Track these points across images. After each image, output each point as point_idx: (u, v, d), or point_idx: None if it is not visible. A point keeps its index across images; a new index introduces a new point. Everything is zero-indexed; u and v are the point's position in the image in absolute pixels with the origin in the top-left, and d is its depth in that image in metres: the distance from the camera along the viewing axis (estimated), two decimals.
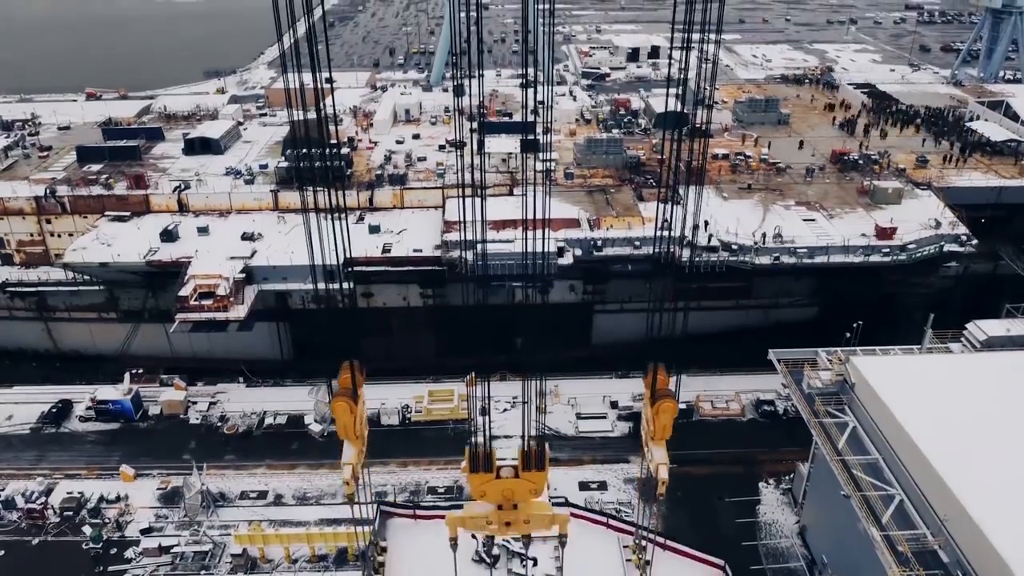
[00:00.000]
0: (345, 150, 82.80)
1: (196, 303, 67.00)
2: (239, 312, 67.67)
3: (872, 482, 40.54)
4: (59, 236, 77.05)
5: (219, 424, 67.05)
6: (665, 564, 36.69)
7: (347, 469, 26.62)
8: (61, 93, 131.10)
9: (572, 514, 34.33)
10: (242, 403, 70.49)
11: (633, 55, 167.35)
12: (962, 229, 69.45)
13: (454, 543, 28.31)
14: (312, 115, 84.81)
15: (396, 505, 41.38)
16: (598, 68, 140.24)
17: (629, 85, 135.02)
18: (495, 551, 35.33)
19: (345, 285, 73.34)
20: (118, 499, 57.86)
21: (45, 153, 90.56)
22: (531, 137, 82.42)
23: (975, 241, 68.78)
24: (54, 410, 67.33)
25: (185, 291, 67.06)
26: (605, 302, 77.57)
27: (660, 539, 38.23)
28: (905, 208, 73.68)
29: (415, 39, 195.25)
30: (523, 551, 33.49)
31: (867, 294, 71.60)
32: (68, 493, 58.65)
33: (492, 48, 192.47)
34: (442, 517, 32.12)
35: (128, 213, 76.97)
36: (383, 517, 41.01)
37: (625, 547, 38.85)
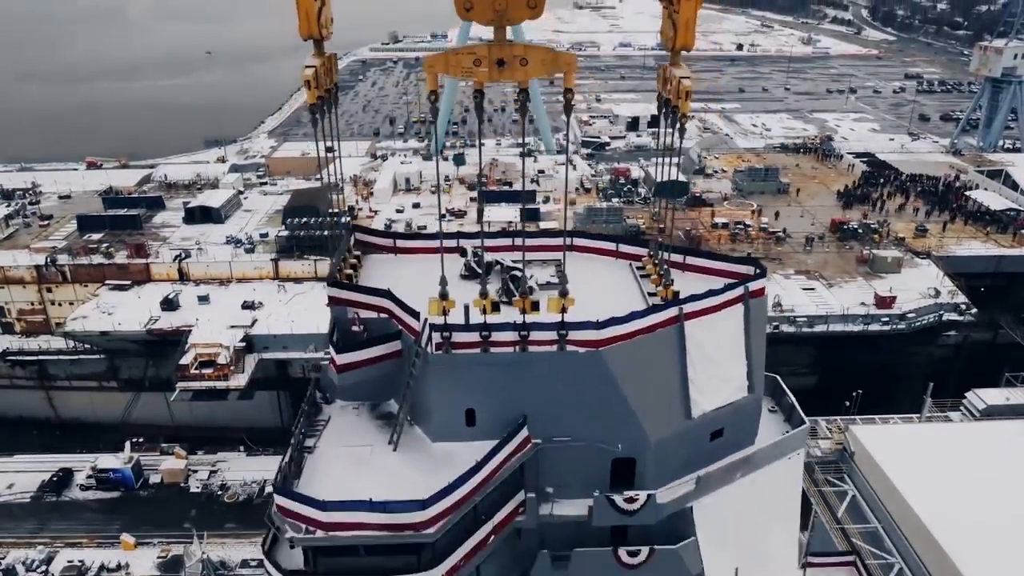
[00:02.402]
0: (345, 219, 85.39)
1: (197, 372, 68.97)
2: (239, 381, 69.58)
3: (871, 550, 41.76)
4: (60, 305, 79.41)
5: (220, 492, 68.11)
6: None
7: (308, 71, 22.67)
8: (62, 162, 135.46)
9: (574, 245, 29.78)
10: (243, 472, 71.54)
11: (633, 124, 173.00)
12: (961, 298, 71.79)
13: (434, 97, 22.98)
14: (314, 184, 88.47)
15: (372, 232, 33.25)
16: (598, 137, 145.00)
17: (629, 154, 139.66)
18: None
19: None
20: (119, 568, 58.66)
21: (46, 222, 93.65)
22: (531, 206, 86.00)
23: (974, 310, 71.00)
24: (55, 479, 68.53)
25: (186, 360, 69.09)
26: None
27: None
28: (904, 277, 76.20)
29: (415, 108, 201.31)
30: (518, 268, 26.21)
31: (866, 363, 73.56)
32: (69, 562, 59.51)
33: (492, 117, 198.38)
34: (428, 251, 28.73)
35: (129, 282, 79.46)
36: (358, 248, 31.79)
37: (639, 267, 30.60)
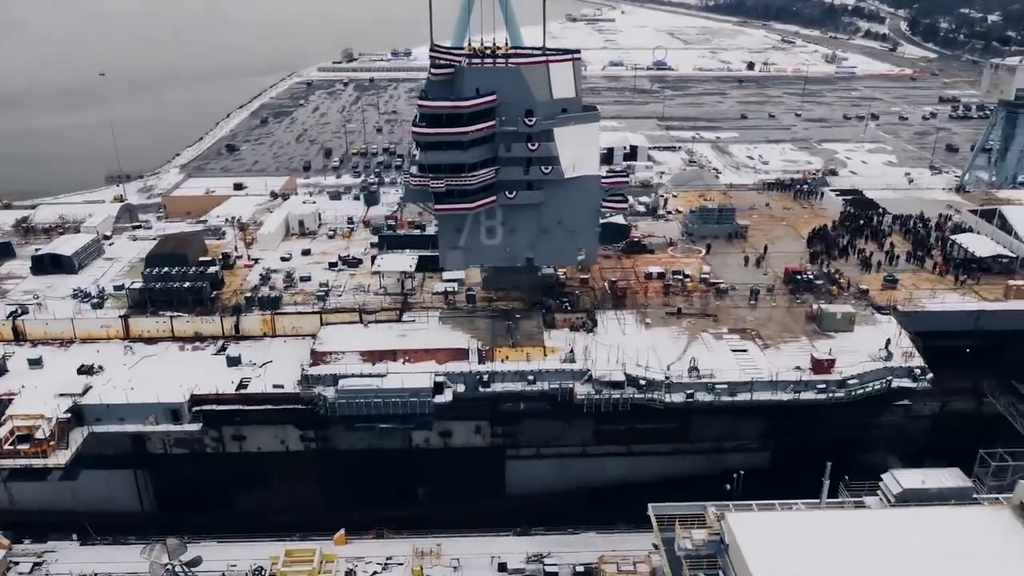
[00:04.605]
0: (213, 269, 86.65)
1: (11, 447, 69.12)
2: (60, 458, 69.62)
3: None
4: None
5: None
6: None
7: None
8: None
9: None
10: (72, 564, 70.92)
11: (607, 156, 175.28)
12: (917, 361, 72.17)
13: None
14: (188, 228, 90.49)
15: None
16: None
17: None
18: None
19: (194, 427, 75.89)
20: None
21: None
22: (432, 254, 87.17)
23: (930, 375, 71.31)
24: None
25: (0, 433, 69.29)
26: (518, 446, 79.73)
27: None
28: (858, 336, 76.71)
29: (358, 138, 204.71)
30: None
31: (825, 436, 73.85)
32: None
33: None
34: None
35: None
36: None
37: None
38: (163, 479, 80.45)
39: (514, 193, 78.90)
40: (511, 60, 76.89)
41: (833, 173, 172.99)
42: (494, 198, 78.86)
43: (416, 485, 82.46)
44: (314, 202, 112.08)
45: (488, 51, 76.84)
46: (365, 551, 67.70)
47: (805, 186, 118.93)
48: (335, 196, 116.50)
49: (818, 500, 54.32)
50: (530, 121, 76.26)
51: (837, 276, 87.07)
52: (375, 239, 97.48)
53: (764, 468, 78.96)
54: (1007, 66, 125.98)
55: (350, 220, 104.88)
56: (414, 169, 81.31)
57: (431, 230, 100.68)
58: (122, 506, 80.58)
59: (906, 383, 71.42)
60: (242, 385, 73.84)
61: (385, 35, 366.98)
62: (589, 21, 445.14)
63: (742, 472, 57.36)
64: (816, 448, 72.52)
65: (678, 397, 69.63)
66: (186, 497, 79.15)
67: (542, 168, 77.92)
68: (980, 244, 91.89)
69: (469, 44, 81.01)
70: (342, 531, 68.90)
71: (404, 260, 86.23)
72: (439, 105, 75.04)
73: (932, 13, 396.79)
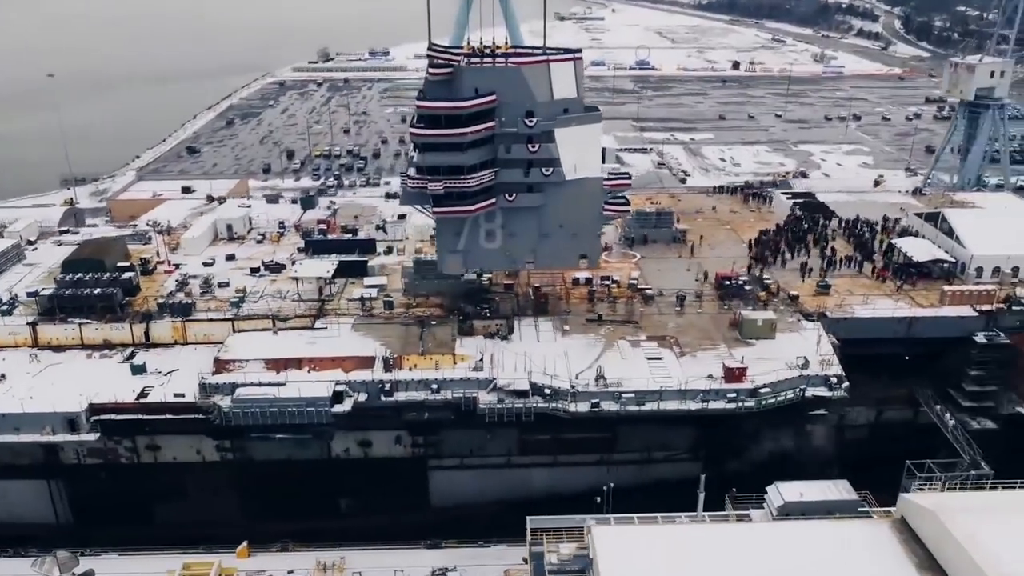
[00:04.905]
0: (128, 275, 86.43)
1: None
2: None
3: None
4: None
5: None
6: None
7: None
8: None
9: None
10: None
11: None
12: (834, 370, 71.78)
13: None
14: (110, 233, 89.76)
15: None
16: None
17: None
18: None
19: (90, 437, 75.37)
20: None
21: None
22: (355, 259, 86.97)
23: (846, 384, 70.94)
24: None
25: None
26: (441, 456, 79.28)
27: None
28: (779, 344, 76.36)
29: (325, 139, 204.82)
30: None
31: (752, 446, 73.58)
32: None
33: (380, 152, 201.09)
34: None
35: None
36: None
37: None
38: (78, 490, 79.85)
39: (514, 196, 78.68)
40: (511, 60, 76.53)
41: (803, 175, 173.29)
42: (493, 201, 78.50)
43: (338, 496, 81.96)
44: (249, 206, 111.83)
45: (488, 50, 76.65)
46: (268, 564, 67.44)
47: (755, 189, 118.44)
48: (272, 200, 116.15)
49: (703, 513, 54.04)
50: (530, 122, 76.10)
51: (768, 282, 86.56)
52: (303, 244, 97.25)
53: (696, 479, 78.49)
54: (966, 65, 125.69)
55: (281, 224, 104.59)
56: (412, 171, 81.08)
57: (362, 234, 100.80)
58: (37, 517, 79.97)
59: (821, 392, 70.96)
60: (143, 394, 73.52)
61: (366, 34, 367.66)
62: (578, 20, 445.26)
63: (612, 484, 56.86)
64: (748, 458, 72.77)
65: (583, 407, 69.22)
66: (103, 508, 78.69)
67: (543, 170, 77.79)
68: (919, 248, 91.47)
69: (468, 43, 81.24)
70: (244, 544, 68.63)
71: (322, 265, 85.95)
72: (437, 106, 74.78)
73: (927, 11, 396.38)
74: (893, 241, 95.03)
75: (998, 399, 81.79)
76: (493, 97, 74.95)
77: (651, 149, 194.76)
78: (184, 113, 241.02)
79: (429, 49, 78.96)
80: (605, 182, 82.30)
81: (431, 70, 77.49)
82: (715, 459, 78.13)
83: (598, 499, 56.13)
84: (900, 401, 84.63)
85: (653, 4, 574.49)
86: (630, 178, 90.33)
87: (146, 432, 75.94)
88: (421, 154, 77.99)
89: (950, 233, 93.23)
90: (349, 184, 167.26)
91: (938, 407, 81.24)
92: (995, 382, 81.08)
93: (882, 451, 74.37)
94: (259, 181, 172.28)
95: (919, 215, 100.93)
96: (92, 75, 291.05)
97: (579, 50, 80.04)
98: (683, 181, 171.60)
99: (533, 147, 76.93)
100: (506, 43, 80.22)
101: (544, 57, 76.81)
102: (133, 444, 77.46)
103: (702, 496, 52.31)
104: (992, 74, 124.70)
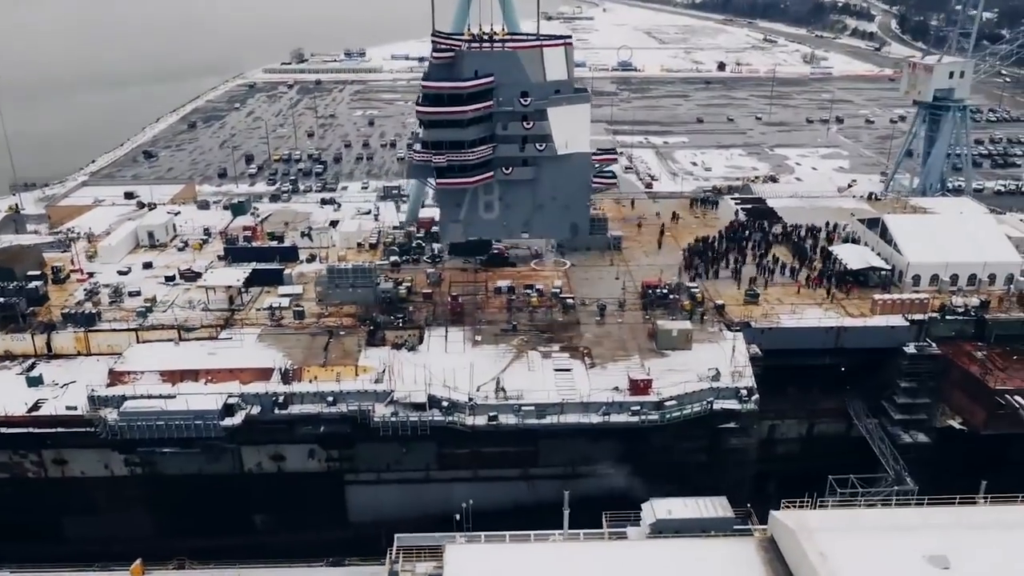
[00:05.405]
0: (34, 284, 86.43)
1: None
2: None
3: None
4: None
5: None
6: None
7: None
8: None
9: None
10: None
11: None
12: (746, 382, 71.61)
13: None
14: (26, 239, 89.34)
15: None
16: None
17: None
18: None
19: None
20: None
21: None
22: (269, 267, 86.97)
23: (756, 397, 70.77)
24: None
25: None
26: (357, 471, 79.11)
27: None
28: (696, 354, 76.18)
29: (288, 142, 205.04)
30: None
31: (677, 460, 73.41)
32: None
33: (341, 156, 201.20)
34: None
35: None
36: None
37: None
38: None
39: (510, 169, 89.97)
40: (508, 44, 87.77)
41: (772, 180, 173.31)
42: (491, 174, 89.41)
43: (252, 512, 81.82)
44: (178, 212, 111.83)
45: (486, 36, 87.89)
46: None
47: (703, 195, 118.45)
48: (203, 206, 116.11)
49: (579, 531, 53.95)
50: (525, 101, 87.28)
51: (695, 290, 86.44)
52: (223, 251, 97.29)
53: (622, 493, 78.37)
54: (924, 65, 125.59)
55: (207, 232, 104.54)
56: (417, 146, 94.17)
57: (288, 241, 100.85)
58: None
59: (731, 405, 70.77)
60: (35, 407, 73.46)
61: (351, 34, 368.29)
62: (565, 20, 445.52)
63: (471, 501, 56.75)
64: (674, 473, 72.39)
65: (481, 420, 69.11)
66: (11, 525, 78.46)
67: (536, 145, 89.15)
68: (854, 256, 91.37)
69: (468, 30, 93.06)
70: (139, 561, 68.36)
71: (232, 274, 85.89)
72: (440, 85, 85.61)
73: (924, 10, 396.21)
74: (830, 248, 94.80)
75: (931, 412, 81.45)
76: (491, 78, 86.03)
77: (621, 153, 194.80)
78: (150, 117, 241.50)
79: (433, 35, 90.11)
80: (593, 156, 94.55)
81: (435, 54, 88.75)
82: (640, 474, 78.16)
83: (457, 516, 55.92)
84: (832, 414, 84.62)
85: (646, 3, 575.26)
86: (616, 153, 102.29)
87: (49, 446, 75.97)
88: (426, 130, 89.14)
89: (889, 240, 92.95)
90: (305, 189, 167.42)
91: (870, 420, 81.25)
92: (927, 394, 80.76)
93: (813, 466, 74.01)
94: (212, 186, 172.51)
95: (862, 221, 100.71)
96: (54, 79, 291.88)
97: (569, 36, 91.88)
98: (649, 186, 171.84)
99: (528, 124, 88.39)
100: (503, 30, 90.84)
101: (538, 42, 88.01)
102: (39, 458, 77.36)
103: (567, 513, 52.09)
104: (951, 74, 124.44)
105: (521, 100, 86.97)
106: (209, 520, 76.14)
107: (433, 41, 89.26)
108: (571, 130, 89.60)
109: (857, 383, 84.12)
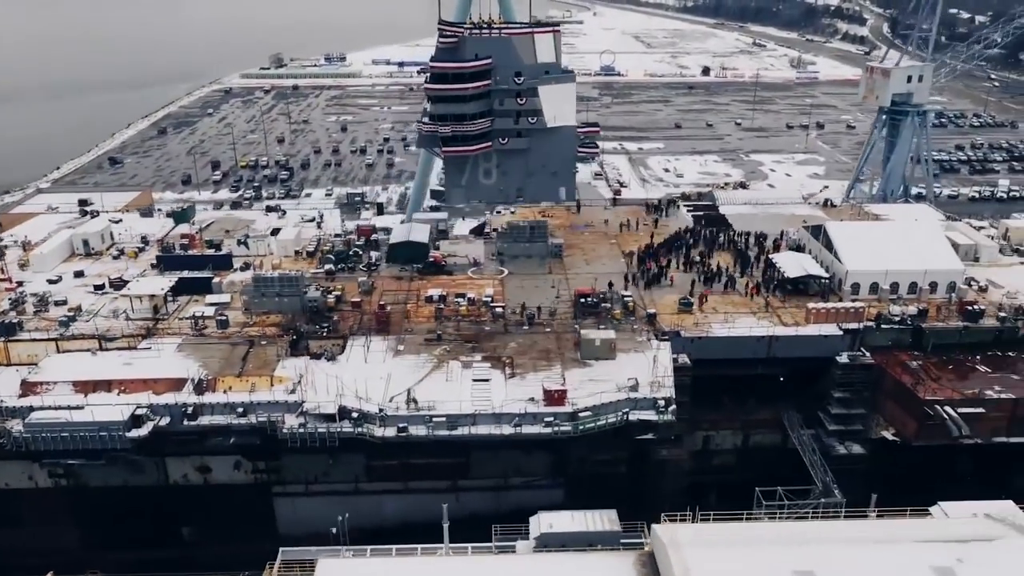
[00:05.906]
0: None
1: None
2: None
3: None
4: None
5: None
6: None
7: None
8: None
9: None
10: None
11: None
12: (665, 392, 71.55)
13: None
14: None
15: None
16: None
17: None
18: None
19: None
20: None
21: None
22: (197, 275, 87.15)
23: (673, 407, 70.73)
24: None
25: None
26: (284, 482, 79.08)
27: None
28: (620, 364, 76.08)
29: (258, 148, 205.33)
30: None
31: (607, 472, 73.46)
32: None
33: (309, 162, 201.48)
34: None
35: None
36: None
37: None
38: None
39: (506, 140, 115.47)
40: (504, 31, 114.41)
41: (743, 186, 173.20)
42: (489, 144, 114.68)
43: (179, 524, 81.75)
44: (119, 220, 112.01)
45: (485, 24, 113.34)
46: None
47: (656, 201, 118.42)
48: (146, 214, 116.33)
49: (466, 545, 53.93)
50: (519, 80, 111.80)
51: (627, 299, 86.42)
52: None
53: (559, 506, 78.22)
54: (882, 69, 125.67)
55: (144, 240, 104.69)
56: (426, 119, 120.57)
57: (226, 249, 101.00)
58: None
59: (648, 416, 70.70)
60: None
61: (333, 39, 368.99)
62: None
63: (347, 514, 56.67)
64: (601, 484, 72.35)
65: (391, 431, 69.10)
66: None
67: (529, 119, 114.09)
68: (792, 264, 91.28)
69: (469, 19, 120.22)
70: (50, 574, 68.40)
71: (156, 283, 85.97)
72: (446, 66, 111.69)
73: (917, 13, 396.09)
74: (771, 256, 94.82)
75: (866, 423, 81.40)
76: (489, 60, 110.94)
77: (591, 160, 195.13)
78: (122, 123, 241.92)
79: (439, 23, 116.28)
80: (578, 129, 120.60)
81: (441, 40, 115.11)
82: (568, 485, 78.19)
83: (333, 530, 55.91)
84: (769, 425, 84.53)
85: (637, 7, 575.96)
86: (599, 127, 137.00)
87: None
88: (433, 104, 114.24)
89: (830, 247, 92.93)
90: (268, 196, 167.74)
91: (804, 432, 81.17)
92: (861, 405, 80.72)
93: (748, 477, 74.18)
94: (175, 193, 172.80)
95: (807, 228, 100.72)
96: (21, 87, 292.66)
97: (558, 24, 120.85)
98: (618, 192, 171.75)
99: (521, 100, 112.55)
100: (500, 19, 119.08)
101: (530, 30, 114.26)
102: None
103: (446, 526, 52.01)
104: (909, 78, 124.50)
105: (515, 79, 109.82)
106: (135, 532, 76.14)
107: (440, 29, 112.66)
108: (559, 106, 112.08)
109: (794, 394, 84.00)
